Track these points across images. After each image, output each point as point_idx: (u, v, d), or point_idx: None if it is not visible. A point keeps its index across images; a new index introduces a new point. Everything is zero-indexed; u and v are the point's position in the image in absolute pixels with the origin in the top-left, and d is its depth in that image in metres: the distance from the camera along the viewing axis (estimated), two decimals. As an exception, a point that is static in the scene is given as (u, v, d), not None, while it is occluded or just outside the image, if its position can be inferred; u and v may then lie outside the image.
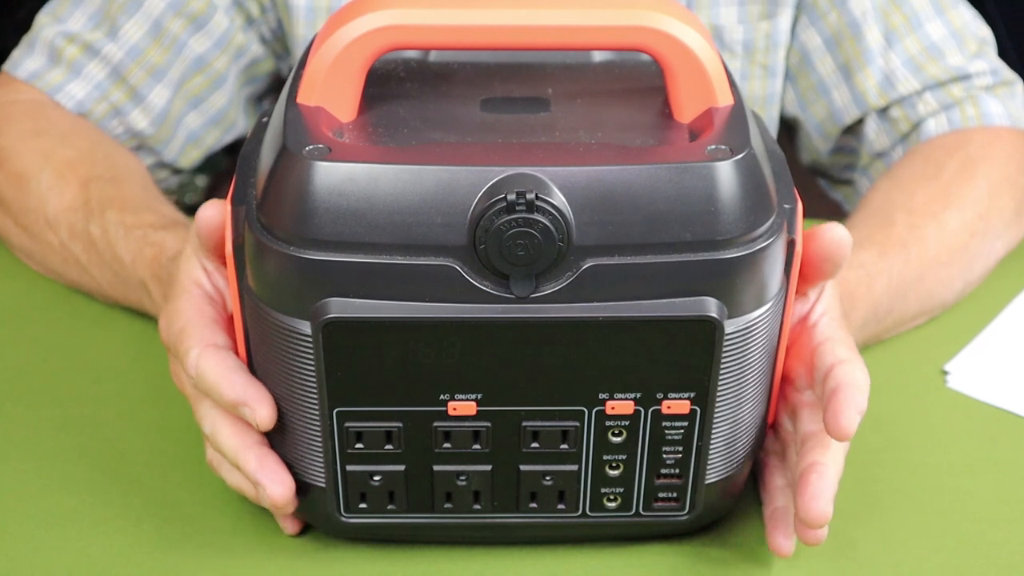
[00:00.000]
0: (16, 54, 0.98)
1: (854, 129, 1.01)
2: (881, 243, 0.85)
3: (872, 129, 0.98)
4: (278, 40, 1.01)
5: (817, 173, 1.08)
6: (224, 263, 0.65)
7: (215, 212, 0.65)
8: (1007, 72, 0.98)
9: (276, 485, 0.63)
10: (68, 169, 0.89)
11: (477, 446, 0.63)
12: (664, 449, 0.63)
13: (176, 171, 1.02)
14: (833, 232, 0.64)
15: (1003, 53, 1.04)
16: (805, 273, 0.65)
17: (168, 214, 0.86)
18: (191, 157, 1.00)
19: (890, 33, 0.96)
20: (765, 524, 0.68)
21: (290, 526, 0.69)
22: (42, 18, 0.98)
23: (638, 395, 0.61)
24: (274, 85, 1.04)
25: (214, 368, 0.63)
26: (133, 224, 0.84)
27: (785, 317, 0.64)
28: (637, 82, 0.66)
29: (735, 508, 0.69)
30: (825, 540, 0.69)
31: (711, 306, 0.59)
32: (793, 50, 1.00)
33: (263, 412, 0.62)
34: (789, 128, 1.06)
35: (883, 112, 0.98)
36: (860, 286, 0.80)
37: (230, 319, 0.67)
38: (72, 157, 0.90)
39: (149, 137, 0.97)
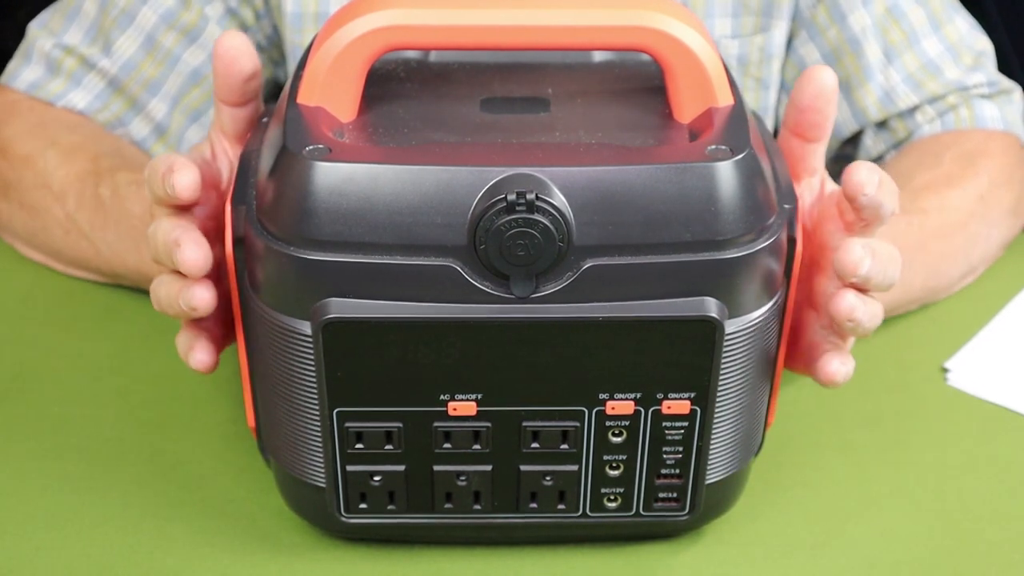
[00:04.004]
0: (12, 66, 0.97)
1: (851, 139, 1.01)
2: None
3: (870, 138, 0.99)
4: (275, 47, 1.00)
5: None
6: (240, 105, 0.66)
7: (236, 41, 0.64)
8: (1005, 82, 0.99)
9: (193, 245, 0.60)
10: (75, 149, 0.90)
11: (477, 446, 0.63)
12: (664, 449, 0.63)
13: None
14: (821, 71, 0.64)
15: (1003, 54, 1.04)
16: (802, 122, 0.65)
17: None
18: None
19: (889, 49, 0.97)
20: (815, 369, 0.65)
21: (202, 355, 0.64)
22: (35, 31, 0.97)
23: (638, 395, 0.61)
24: (272, 92, 1.04)
25: (163, 156, 0.62)
26: None
27: (785, 317, 0.64)
28: (637, 82, 0.66)
29: (735, 508, 0.69)
30: (825, 541, 0.69)
31: (711, 306, 0.59)
32: (792, 64, 1.00)
33: (180, 175, 0.60)
34: None
35: (882, 124, 0.98)
36: None
37: (212, 180, 0.66)
38: (78, 141, 0.91)
39: (150, 151, 0.97)
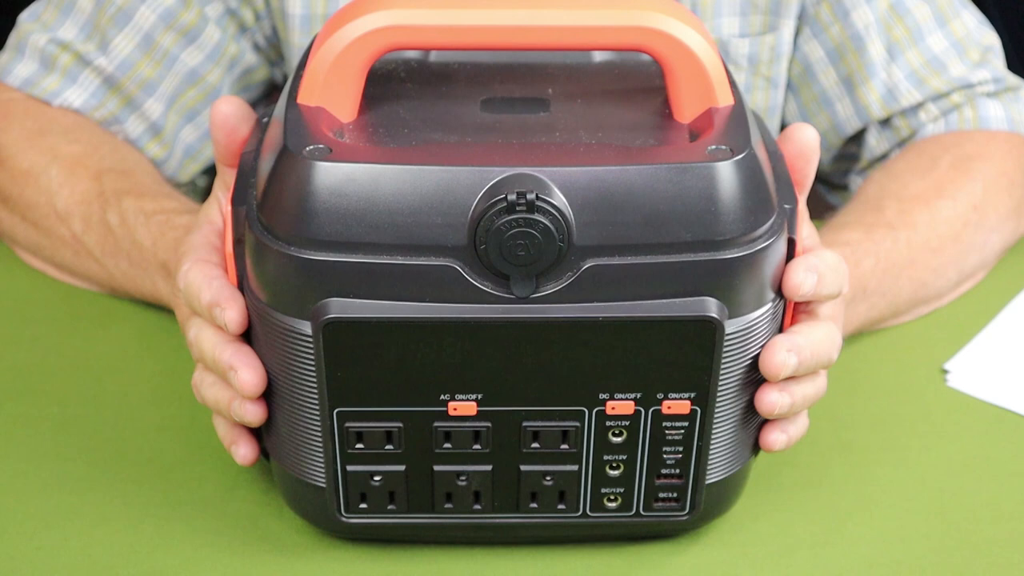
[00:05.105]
0: (4, 60, 0.96)
1: (855, 137, 1.01)
2: (869, 224, 0.85)
3: (873, 136, 0.99)
4: (272, 47, 1.00)
5: (815, 179, 1.08)
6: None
7: (232, 108, 0.65)
8: (1012, 79, 0.98)
9: (248, 369, 0.62)
10: (77, 163, 0.89)
11: (477, 446, 0.63)
12: (664, 449, 0.63)
13: (176, 185, 1.01)
14: (803, 130, 0.65)
15: (1004, 53, 1.03)
16: None
17: (185, 202, 0.87)
18: (190, 171, 0.99)
19: (892, 46, 0.96)
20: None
21: (246, 450, 0.67)
22: (27, 24, 0.96)
23: (638, 395, 0.61)
24: (268, 92, 1.04)
25: (198, 276, 0.64)
26: (154, 210, 0.84)
27: (785, 317, 0.64)
28: (637, 82, 0.66)
29: (735, 508, 0.69)
30: (825, 541, 0.69)
31: (711, 306, 0.59)
32: (795, 61, 1.00)
33: (231, 313, 0.62)
34: None
35: (885, 122, 0.98)
36: (846, 262, 0.80)
37: None
38: (79, 152, 0.90)
39: (144, 150, 0.97)
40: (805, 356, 0.63)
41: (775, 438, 0.66)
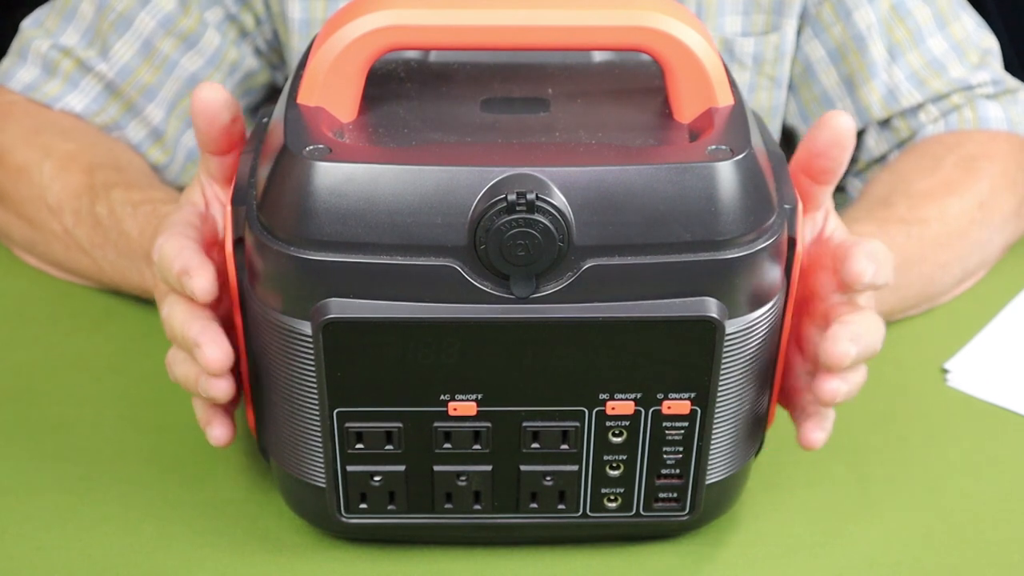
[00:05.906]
0: (6, 64, 0.96)
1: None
2: (882, 219, 0.85)
3: (872, 138, 0.99)
4: (274, 51, 1.00)
5: None
6: (225, 153, 0.66)
7: (213, 94, 0.64)
8: (1011, 81, 0.98)
9: (213, 346, 0.61)
10: (70, 159, 0.89)
11: (477, 446, 0.63)
12: (664, 449, 0.63)
13: (178, 189, 1.01)
14: (838, 117, 0.64)
15: (1003, 53, 1.04)
16: (814, 166, 0.64)
17: (173, 193, 0.87)
18: (192, 175, 0.99)
19: (893, 47, 0.96)
20: (796, 423, 0.68)
21: (220, 431, 0.66)
22: (30, 30, 0.96)
23: (638, 395, 0.61)
24: (270, 95, 1.04)
25: (171, 247, 0.63)
26: (141, 200, 0.85)
27: (785, 317, 0.64)
28: (637, 82, 0.66)
29: (735, 508, 0.69)
30: (825, 541, 0.69)
31: (711, 306, 0.59)
32: (796, 61, 1.00)
33: (199, 280, 0.61)
34: (788, 137, 1.06)
35: (885, 123, 0.98)
36: None
37: (213, 237, 0.66)
38: (73, 149, 0.90)
39: (146, 155, 0.97)
40: (862, 345, 0.63)
41: (817, 437, 0.67)
